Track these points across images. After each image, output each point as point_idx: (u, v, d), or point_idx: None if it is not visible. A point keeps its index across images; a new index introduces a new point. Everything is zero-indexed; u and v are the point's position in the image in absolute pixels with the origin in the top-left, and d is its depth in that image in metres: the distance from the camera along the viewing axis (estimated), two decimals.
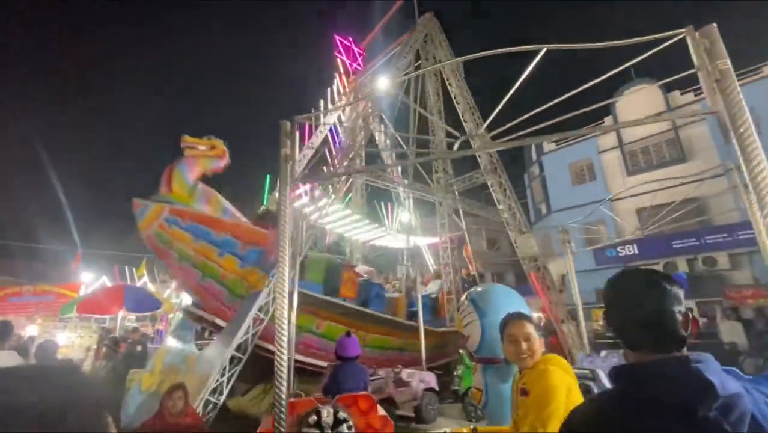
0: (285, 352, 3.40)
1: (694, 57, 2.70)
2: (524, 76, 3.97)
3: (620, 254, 16.41)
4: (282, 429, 3.21)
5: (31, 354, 7.29)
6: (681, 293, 1.01)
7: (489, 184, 11.61)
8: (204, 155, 7.31)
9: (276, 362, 3.32)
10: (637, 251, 16.08)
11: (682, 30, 2.78)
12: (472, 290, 4.95)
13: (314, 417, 3.79)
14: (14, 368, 0.53)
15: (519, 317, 2.14)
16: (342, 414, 3.88)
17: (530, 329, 2.03)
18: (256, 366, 6.93)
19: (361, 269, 10.52)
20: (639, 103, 16.04)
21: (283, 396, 3.31)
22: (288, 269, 3.63)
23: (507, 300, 4.83)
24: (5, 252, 18.03)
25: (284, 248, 3.60)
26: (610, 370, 1.00)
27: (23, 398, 0.46)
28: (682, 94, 17.02)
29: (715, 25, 2.74)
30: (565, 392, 1.82)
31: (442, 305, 11.34)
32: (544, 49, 3.21)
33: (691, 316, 0.99)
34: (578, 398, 1.84)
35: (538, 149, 21.84)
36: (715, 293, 13.07)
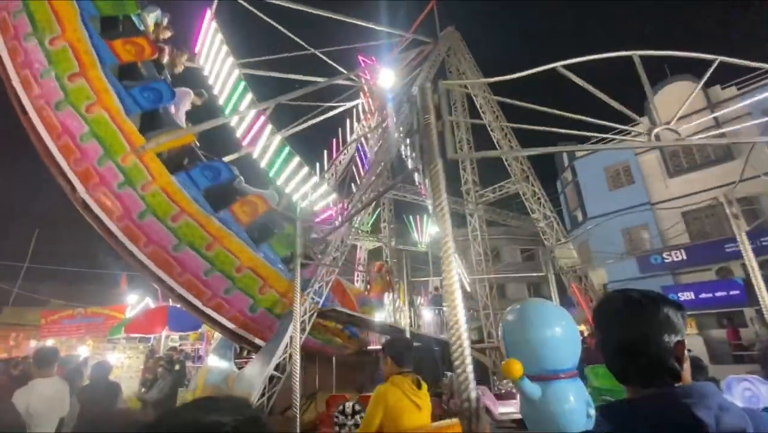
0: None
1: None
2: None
3: (666, 261, 15.48)
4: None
5: (85, 375, 7.66)
6: (678, 320, 0.88)
7: (521, 193, 11.34)
8: None
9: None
10: (685, 257, 15.11)
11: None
12: (509, 308, 4.88)
13: (341, 407, 5.47)
14: (217, 398, 0.62)
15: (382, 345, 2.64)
16: (358, 406, 5.34)
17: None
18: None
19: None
20: (676, 100, 15.32)
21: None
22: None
23: (535, 316, 4.62)
24: (60, 276, 19.29)
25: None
26: (597, 407, 0.91)
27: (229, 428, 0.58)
28: (723, 88, 16.12)
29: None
30: (383, 404, 2.42)
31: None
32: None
33: (686, 347, 0.88)
34: (404, 410, 2.41)
35: (570, 153, 21.21)
36: None
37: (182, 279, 6.55)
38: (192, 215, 6.52)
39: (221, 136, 9.57)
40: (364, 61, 16.34)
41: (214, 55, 8.93)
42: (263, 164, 9.05)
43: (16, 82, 6.09)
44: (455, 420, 3.07)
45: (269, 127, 8.85)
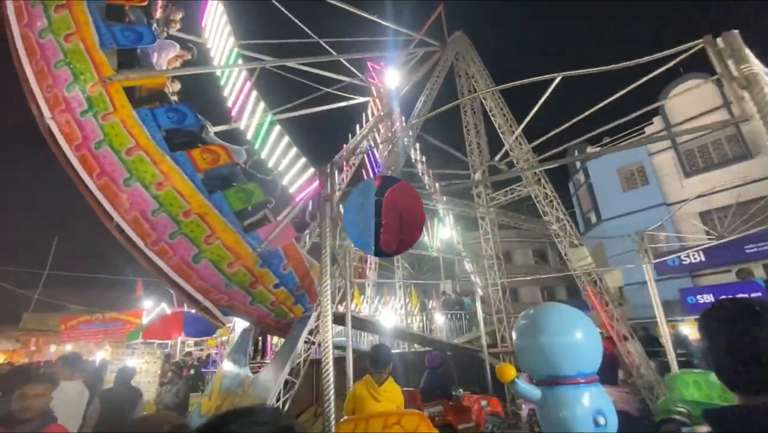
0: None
1: (715, 65, 2.83)
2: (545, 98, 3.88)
3: (684, 262, 15.15)
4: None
5: (105, 379, 7.81)
6: None
7: (533, 195, 11.24)
8: None
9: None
10: (703, 258, 14.77)
11: (700, 41, 2.92)
12: (523, 312, 4.84)
13: None
14: (252, 409, 0.64)
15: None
16: None
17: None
18: (307, 389, 6.98)
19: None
20: (691, 100, 15.06)
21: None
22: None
23: (542, 321, 4.56)
24: (78, 282, 19.75)
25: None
26: (704, 411, 0.90)
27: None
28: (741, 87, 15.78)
29: (736, 31, 2.99)
30: (352, 396, 3.34)
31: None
32: (558, 78, 3.29)
33: None
34: (364, 400, 3.21)
35: (582, 154, 20.96)
36: None
37: (129, 216, 6.41)
38: (147, 151, 6.52)
39: (215, 111, 9.67)
40: (372, 66, 16.50)
41: (215, 30, 9.07)
42: (249, 136, 9.09)
43: (11, 12, 6.57)
44: (414, 411, 3.26)
45: (254, 93, 8.90)
